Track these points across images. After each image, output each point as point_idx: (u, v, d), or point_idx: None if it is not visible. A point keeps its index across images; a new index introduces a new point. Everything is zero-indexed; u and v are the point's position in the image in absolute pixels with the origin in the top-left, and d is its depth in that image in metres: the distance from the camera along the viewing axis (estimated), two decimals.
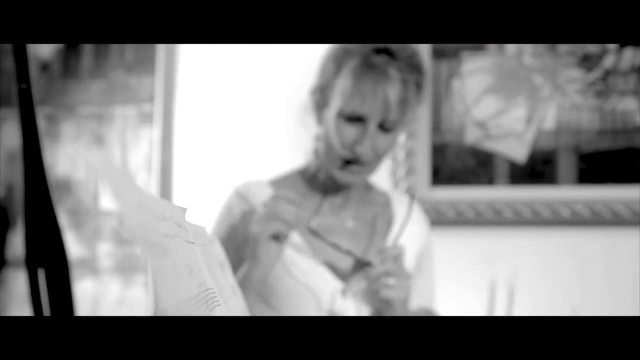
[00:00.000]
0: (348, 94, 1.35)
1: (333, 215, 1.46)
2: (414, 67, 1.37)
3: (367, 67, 1.35)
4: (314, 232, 1.39)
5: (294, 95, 1.61)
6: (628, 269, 1.93)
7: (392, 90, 1.33)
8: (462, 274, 2.01)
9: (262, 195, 1.44)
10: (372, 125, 1.36)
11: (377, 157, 1.40)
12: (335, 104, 1.37)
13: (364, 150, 1.36)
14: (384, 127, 1.37)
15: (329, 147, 1.40)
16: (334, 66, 1.38)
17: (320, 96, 1.43)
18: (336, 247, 1.38)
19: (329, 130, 1.39)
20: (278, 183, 1.50)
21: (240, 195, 1.46)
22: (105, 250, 2.26)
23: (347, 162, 1.39)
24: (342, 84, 1.36)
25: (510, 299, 1.81)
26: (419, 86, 1.39)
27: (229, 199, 1.47)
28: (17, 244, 2.25)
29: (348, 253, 1.38)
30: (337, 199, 1.47)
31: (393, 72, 1.34)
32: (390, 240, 1.45)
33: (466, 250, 2.04)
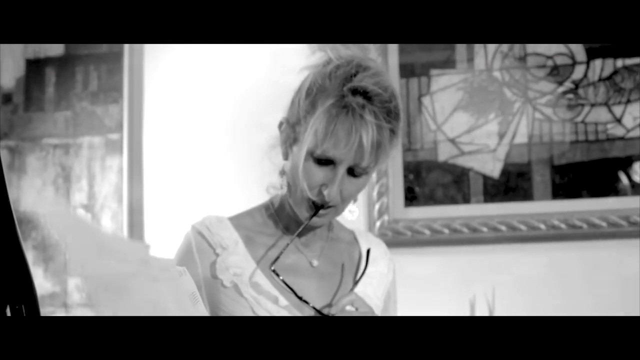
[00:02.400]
0: (320, 136, 1.29)
1: (298, 254, 1.43)
2: (390, 113, 1.32)
3: (341, 108, 1.29)
4: (276, 274, 1.35)
5: (264, 125, 1.57)
6: (607, 280, 1.92)
7: (367, 137, 1.27)
8: (441, 294, 1.99)
9: (222, 231, 1.40)
10: (341, 170, 1.30)
11: (344, 202, 1.36)
12: (305, 142, 1.31)
13: (331, 194, 1.30)
14: (354, 173, 1.33)
15: (294, 185, 1.35)
16: (307, 103, 1.33)
17: (291, 131, 1.37)
18: (294, 293, 1.34)
19: (295, 168, 1.35)
20: (239, 218, 1.45)
21: (198, 232, 1.41)
22: (75, 284, 2.21)
23: (313, 203, 1.35)
24: (315, 123, 1.30)
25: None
26: (393, 132, 1.33)
27: (186, 236, 1.43)
28: None
29: (305, 302, 1.35)
30: (302, 237, 1.44)
31: (368, 116, 1.29)
32: (354, 281, 1.42)
33: (443, 269, 2.02)
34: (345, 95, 1.27)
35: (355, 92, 1.27)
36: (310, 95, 1.30)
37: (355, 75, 1.28)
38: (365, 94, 1.27)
